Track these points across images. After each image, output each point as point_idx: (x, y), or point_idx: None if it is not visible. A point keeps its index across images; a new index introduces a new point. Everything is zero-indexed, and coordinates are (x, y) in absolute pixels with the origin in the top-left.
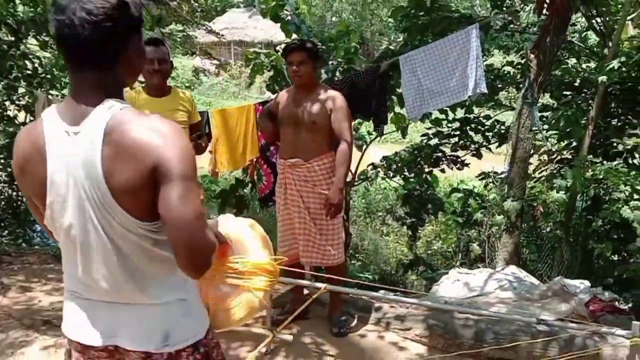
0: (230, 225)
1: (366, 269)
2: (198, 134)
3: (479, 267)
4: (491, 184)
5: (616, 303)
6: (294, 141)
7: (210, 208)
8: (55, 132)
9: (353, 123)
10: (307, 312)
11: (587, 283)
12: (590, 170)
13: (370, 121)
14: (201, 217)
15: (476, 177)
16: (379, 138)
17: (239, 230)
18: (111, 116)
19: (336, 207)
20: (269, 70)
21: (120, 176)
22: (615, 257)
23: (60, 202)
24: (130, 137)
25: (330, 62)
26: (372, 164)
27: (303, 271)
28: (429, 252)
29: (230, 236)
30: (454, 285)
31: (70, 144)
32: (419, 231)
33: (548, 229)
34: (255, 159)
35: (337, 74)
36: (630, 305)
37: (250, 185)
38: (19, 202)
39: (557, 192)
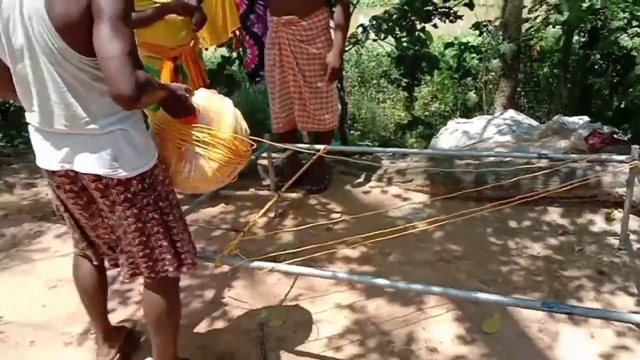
0: (205, 98)
1: (366, 137)
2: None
3: (476, 116)
4: (486, 32)
5: (615, 135)
6: None
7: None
8: None
9: None
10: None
11: (586, 118)
12: (587, 0)
13: None
14: (127, 54)
15: (470, 28)
16: (367, 1)
17: (212, 104)
18: None
19: (337, 71)
20: None
21: (60, 8)
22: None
23: (9, 27)
24: None
25: None
26: (361, 24)
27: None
28: (427, 114)
29: (200, 106)
30: (452, 135)
31: None
32: (416, 93)
33: (545, 70)
34: (237, 31)
35: None
36: (629, 136)
37: (237, 61)
38: (8, 104)
39: (553, 27)
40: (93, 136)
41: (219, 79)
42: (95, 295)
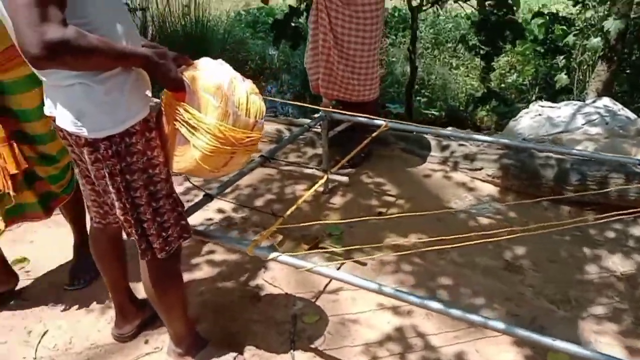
0: (200, 71)
1: (432, 105)
2: None
3: (563, 99)
4: (586, 2)
5: None
6: None
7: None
8: None
9: None
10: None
11: None
12: None
13: None
14: (25, 8)
15: None
16: None
17: (203, 79)
18: None
19: None
20: None
21: None
22: None
23: None
24: None
25: None
26: None
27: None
28: (502, 85)
29: (191, 81)
30: (534, 120)
31: None
32: (493, 63)
33: None
34: None
35: None
36: None
37: (305, 14)
38: None
39: None
40: (57, 87)
41: (285, 31)
42: (113, 267)
